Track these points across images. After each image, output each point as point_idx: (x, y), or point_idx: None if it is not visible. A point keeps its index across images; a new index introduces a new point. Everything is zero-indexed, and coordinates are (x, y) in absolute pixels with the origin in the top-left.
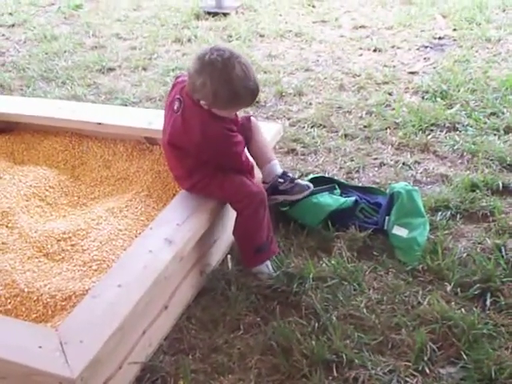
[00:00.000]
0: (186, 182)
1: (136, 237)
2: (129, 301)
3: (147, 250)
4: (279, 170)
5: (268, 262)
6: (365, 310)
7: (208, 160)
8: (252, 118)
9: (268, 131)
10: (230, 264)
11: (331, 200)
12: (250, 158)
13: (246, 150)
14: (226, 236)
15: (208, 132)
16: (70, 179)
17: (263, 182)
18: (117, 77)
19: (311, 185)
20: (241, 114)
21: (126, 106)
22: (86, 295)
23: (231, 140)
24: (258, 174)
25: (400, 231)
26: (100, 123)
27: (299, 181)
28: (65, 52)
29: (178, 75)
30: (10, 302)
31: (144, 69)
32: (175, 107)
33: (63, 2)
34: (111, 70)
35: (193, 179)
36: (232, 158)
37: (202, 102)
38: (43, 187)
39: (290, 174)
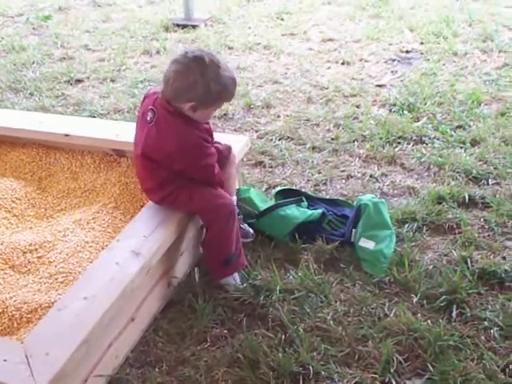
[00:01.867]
0: (156, 194)
1: (103, 249)
2: (95, 313)
3: (114, 261)
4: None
5: (236, 274)
6: (332, 322)
7: (180, 171)
8: (233, 150)
9: (236, 143)
10: (197, 276)
11: (298, 212)
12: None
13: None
14: (192, 248)
15: (184, 141)
16: (36, 191)
17: None
18: (85, 88)
19: (254, 234)
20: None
21: (94, 117)
22: (51, 307)
23: (205, 151)
24: None
25: (367, 243)
26: (67, 135)
27: (246, 226)
28: (33, 63)
29: (148, 89)
30: None
31: (112, 80)
32: (148, 118)
33: (32, 12)
34: (79, 81)
35: (163, 192)
36: (205, 169)
37: (187, 105)
38: (10, 199)
39: (241, 217)
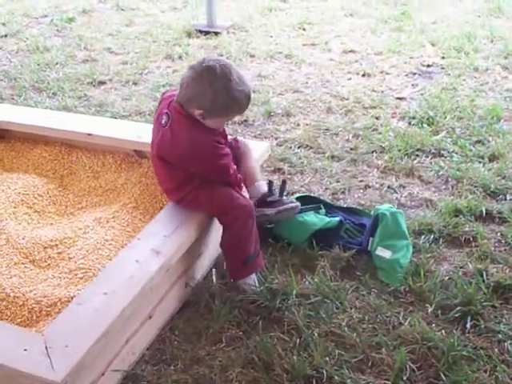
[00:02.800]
0: (175, 194)
1: (122, 247)
2: (114, 309)
3: (134, 259)
4: (266, 189)
5: (253, 276)
6: (346, 329)
7: (196, 172)
8: (240, 139)
9: (256, 149)
10: (214, 278)
11: (316, 219)
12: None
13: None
14: (211, 250)
15: (196, 144)
16: (58, 188)
17: (250, 198)
18: (107, 90)
19: (299, 204)
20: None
21: (115, 119)
22: (71, 302)
23: (219, 152)
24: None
25: (383, 252)
26: (90, 134)
27: (286, 198)
28: (56, 64)
29: (164, 91)
30: None
31: (135, 83)
32: (163, 121)
33: (56, 14)
34: (102, 83)
35: (181, 192)
36: (219, 171)
37: (197, 112)
38: (31, 195)
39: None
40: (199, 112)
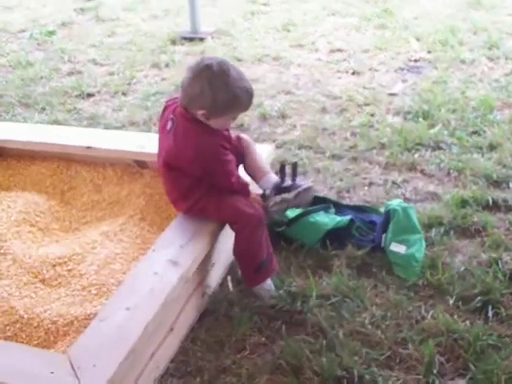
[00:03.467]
0: (182, 204)
1: (134, 260)
2: (138, 324)
3: (152, 271)
4: (277, 179)
5: (269, 281)
6: (370, 326)
7: (202, 177)
8: (242, 135)
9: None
10: (230, 285)
11: (328, 219)
12: (247, 178)
13: (238, 169)
14: (224, 257)
15: (201, 147)
16: (60, 204)
17: (263, 193)
18: (97, 102)
19: (312, 184)
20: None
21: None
22: (88, 320)
23: (222, 157)
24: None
25: (398, 248)
26: (89, 147)
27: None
28: (41, 78)
29: (167, 99)
30: (9, 329)
31: (124, 94)
32: (168, 127)
33: (35, 28)
34: (90, 95)
35: (188, 201)
36: (222, 176)
37: (199, 113)
38: (33, 213)
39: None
40: (202, 112)
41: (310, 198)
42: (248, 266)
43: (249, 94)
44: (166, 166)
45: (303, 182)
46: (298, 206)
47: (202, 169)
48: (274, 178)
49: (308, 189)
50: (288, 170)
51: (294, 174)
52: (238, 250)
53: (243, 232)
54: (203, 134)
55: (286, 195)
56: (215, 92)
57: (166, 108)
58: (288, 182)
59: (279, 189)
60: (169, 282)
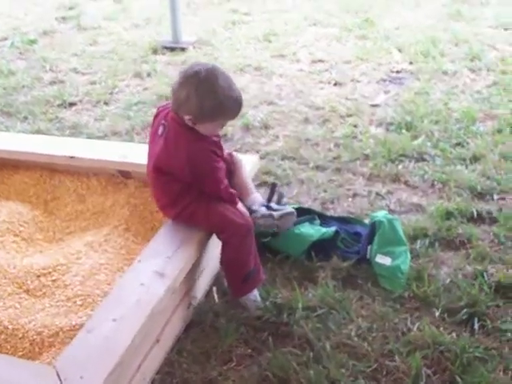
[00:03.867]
0: (171, 210)
1: (119, 271)
2: (126, 335)
3: (139, 283)
4: (262, 200)
5: (256, 292)
6: (356, 339)
7: (192, 182)
8: (234, 153)
9: (246, 164)
10: (216, 296)
11: (313, 230)
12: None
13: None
14: (210, 268)
15: (193, 151)
16: (43, 214)
17: (249, 208)
18: (79, 111)
19: (294, 210)
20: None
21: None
22: (74, 331)
23: (213, 164)
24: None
25: (383, 259)
26: (73, 157)
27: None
28: (23, 87)
29: (158, 106)
30: None
31: (106, 103)
32: (160, 132)
33: (16, 36)
34: (72, 104)
35: (177, 207)
36: (211, 183)
37: (186, 118)
38: (17, 222)
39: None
40: (188, 117)
41: (292, 224)
42: (235, 276)
43: (237, 103)
44: (156, 171)
45: (288, 207)
46: (279, 227)
47: (192, 174)
48: (259, 198)
49: (291, 213)
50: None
51: (281, 197)
52: (225, 259)
53: (231, 241)
54: (195, 139)
55: (273, 212)
56: (201, 98)
57: (157, 114)
58: (273, 203)
59: (266, 207)
60: (155, 294)
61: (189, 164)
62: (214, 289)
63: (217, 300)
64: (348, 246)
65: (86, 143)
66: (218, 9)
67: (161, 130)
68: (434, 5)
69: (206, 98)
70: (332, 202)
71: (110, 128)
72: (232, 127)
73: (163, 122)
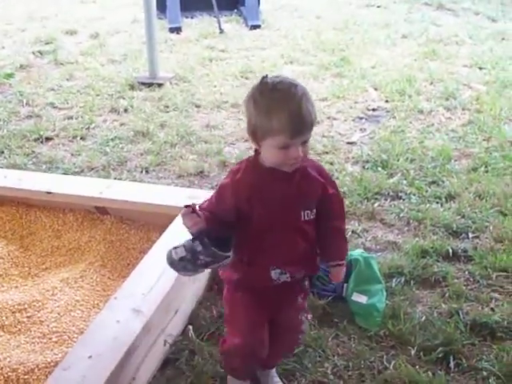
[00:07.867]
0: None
1: (94, 307)
2: (102, 372)
3: (115, 320)
4: None
5: None
6: (332, 377)
7: None
8: None
9: None
10: (191, 334)
11: None
12: None
13: None
14: (186, 305)
15: None
16: (19, 249)
17: None
18: (55, 146)
19: None
20: None
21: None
22: (49, 368)
23: None
24: None
25: (359, 298)
26: (50, 192)
27: None
28: None
29: None
30: None
31: (82, 138)
32: None
33: None
34: (49, 139)
35: None
36: None
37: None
38: None
39: None
40: (251, 139)
41: None
42: None
43: (287, 116)
44: None
45: None
46: None
47: None
48: None
49: None
50: None
51: None
52: None
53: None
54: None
55: None
56: (250, 113)
57: None
58: None
59: None
60: (132, 331)
61: None
62: (190, 327)
63: (193, 338)
64: (324, 284)
65: (62, 179)
66: (195, 45)
67: None
68: (410, 44)
69: (252, 114)
70: None
71: (86, 163)
72: (208, 164)
73: None
